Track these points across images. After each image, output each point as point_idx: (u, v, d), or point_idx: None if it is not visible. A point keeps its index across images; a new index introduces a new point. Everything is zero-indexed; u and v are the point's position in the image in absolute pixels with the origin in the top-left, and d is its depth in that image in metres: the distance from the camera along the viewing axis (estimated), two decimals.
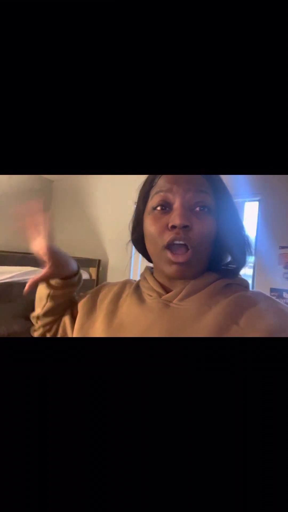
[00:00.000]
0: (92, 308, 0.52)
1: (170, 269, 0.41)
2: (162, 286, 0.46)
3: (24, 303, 1.81)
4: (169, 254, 0.40)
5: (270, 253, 1.87)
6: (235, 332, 0.35)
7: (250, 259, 0.47)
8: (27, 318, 0.58)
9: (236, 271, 0.45)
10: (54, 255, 0.47)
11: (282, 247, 1.84)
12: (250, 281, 1.99)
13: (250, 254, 0.45)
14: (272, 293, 1.84)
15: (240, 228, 0.45)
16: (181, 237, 0.39)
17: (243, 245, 0.44)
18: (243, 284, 0.45)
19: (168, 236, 0.40)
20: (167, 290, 0.45)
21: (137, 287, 0.51)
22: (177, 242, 0.39)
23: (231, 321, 0.36)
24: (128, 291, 0.52)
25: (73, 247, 3.00)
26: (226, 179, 0.45)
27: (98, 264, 2.55)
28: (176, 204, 0.40)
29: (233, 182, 1.98)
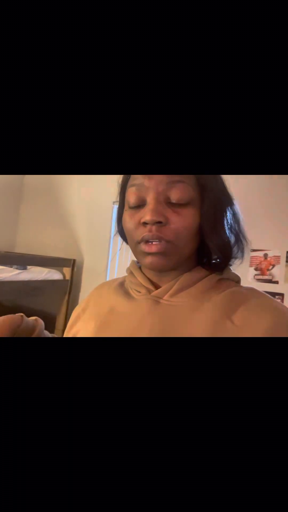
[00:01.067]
0: (75, 320, 0.49)
1: (146, 261, 0.39)
2: (151, 281, 0.44)
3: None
4: (142, 246, 0.38)
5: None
6: (230, 329, 0.34)
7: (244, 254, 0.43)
8: None
9: (223, 265, 0.42)
10: None
11: (253, 250, 1.93)
12: None
13: (241, 248, 0.42)
14: None
15: (229, 218, 0.42)
16: (154, 234, 0.37)
17: (229, 237, 0.42)
18: (235, 279, 0.43)
19: (141, 233, 0.38)
20: (156, 286, 0.43)
21: (121, 284, 0.49)
22: (150, 239, 0.37)
23: (225, 318, 0.35)
24: (109, 289, 0.49)
25: (46, 245, 2.88)
26: None
27: (72, 264, 2.47)
28: (149, 198, 0.38)
29: None
